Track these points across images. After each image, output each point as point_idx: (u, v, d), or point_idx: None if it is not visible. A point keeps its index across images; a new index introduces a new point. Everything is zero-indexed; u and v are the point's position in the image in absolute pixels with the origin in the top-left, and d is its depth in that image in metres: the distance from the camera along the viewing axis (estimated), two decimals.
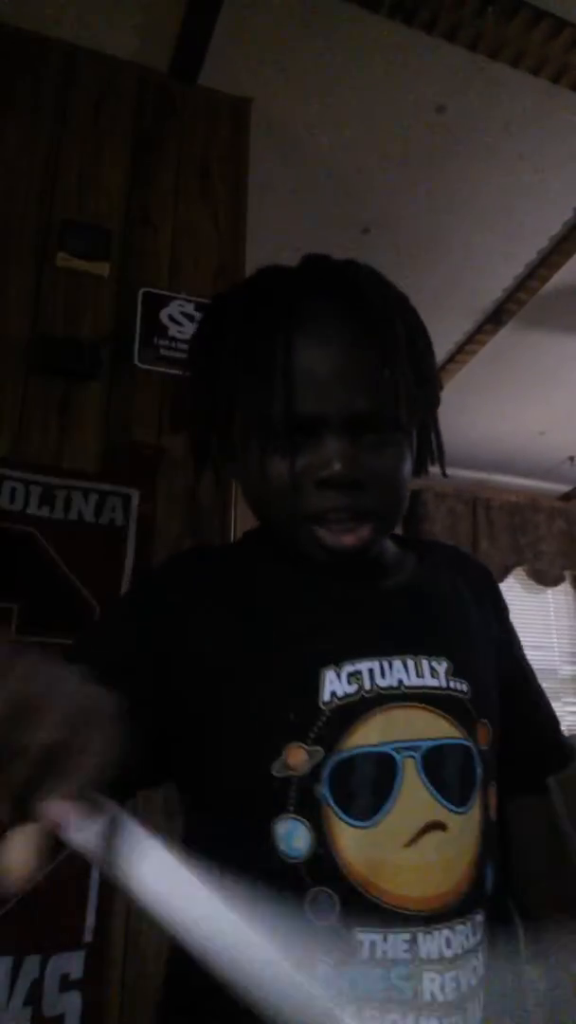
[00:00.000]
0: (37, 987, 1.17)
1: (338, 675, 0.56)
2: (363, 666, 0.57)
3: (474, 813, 0.57)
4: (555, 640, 4.18)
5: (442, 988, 0.51)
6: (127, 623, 0.63)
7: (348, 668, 0.57)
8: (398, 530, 0.71)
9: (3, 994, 1.15)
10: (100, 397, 1.51)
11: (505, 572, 4.05)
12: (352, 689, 0.56)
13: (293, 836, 0.53)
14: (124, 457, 1.48)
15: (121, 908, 1.21)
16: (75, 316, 1.55)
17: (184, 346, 1.58)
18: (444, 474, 0.67)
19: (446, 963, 0.51)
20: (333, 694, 0.56)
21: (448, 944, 0.52)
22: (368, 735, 0.55)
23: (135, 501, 1.46)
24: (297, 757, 0.54)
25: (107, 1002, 1.19)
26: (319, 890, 0.52)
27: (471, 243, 2.39)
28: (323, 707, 0.55)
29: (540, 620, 4.19)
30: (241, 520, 1.57)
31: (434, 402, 0.66)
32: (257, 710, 0.57)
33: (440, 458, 0.68)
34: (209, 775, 0.59)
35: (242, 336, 0.61)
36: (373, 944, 0.51)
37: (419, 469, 0.68)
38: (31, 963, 1.17)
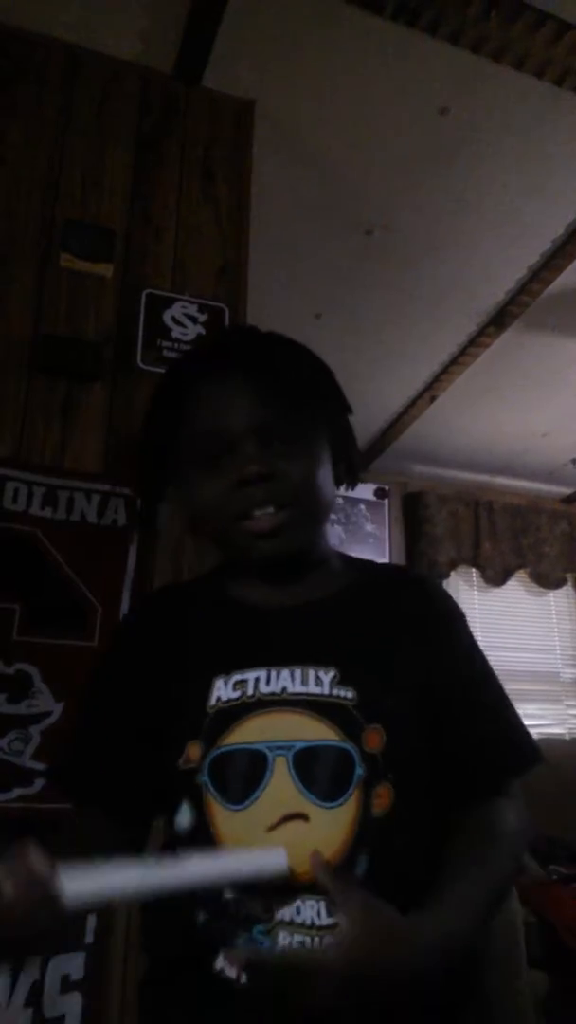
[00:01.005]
0: (37, 988, 1.17)
1: (226, 683, 0.69)
2: (250, 675, 0.69)
3: (345, 809, 0.63)
4: (557, 642, 4.16)
5: (291, 946, 0.61)
6: (106, 697, 0.78)
7: (236, 677, 0.69)
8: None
9: (3, 995, 1.15)
10: (103, 398, 1.52)
11: (507, 574, 4.05)
12: (236, 695, 0.68)
13: (181, 815, 0.67)
14: (127, 458, 1.49)
15: (121, 908, 1.21)
16: (78, 317, 1.55)
17: (187, 347, 1.59)
18: (352, 487, 0.81)
19: (295, 927, 0.61)
20: (218, 699, 0.68)
21: (298, 912, 0.61)
22: (245, 734, 0.66)
23: (137, 502, 1.46)
24: (194, 752, 0.67)
25: (108, 1003, 1.19)
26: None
27: (474, 245, 2.39)
28: (209, 710, 0.68)
29: (542, 622, 4.18)
30: None
31: (332, 414, 0.79)
32: (172, 716, 0.70)
33: (350, 473, 0.80)
34: (157, 773, 0.71)
35: (170, 393, 0.78)
36: (238, 902, 0.62)
37: (338, 481, 0.80)
38: (31, 964, 1.17)
